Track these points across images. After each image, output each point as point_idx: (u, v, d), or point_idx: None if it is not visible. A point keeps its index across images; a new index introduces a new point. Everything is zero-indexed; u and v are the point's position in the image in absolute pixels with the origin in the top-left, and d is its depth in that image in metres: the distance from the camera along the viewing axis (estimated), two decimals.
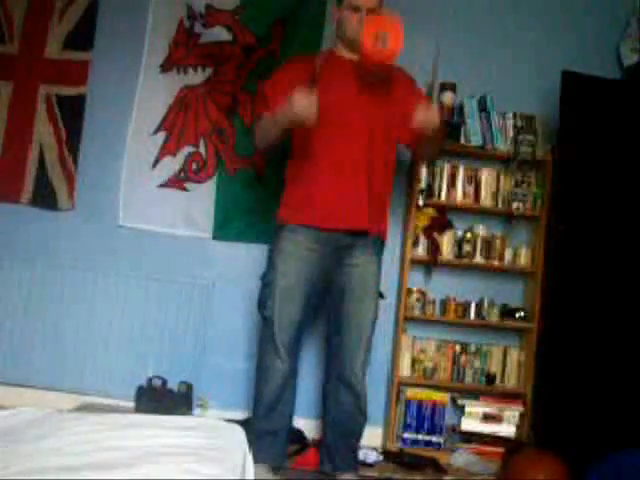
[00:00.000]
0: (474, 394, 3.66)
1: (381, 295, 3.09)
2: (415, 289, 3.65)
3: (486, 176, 3.71)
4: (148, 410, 3.30)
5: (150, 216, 3.70)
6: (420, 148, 3.08)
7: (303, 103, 2.61)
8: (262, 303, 2.96)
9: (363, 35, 2.63)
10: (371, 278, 2.95)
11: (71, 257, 3.65)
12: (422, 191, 3.63)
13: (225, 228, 3.71)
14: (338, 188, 2.84)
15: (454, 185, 3.69)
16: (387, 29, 2.60)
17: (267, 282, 2.97)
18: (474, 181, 3.71)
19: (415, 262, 3.68)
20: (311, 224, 2.85)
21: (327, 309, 3.06)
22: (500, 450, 3.43)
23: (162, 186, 3.69)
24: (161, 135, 3.70)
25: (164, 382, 3.53)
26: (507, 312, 3.67)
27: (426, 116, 2.70)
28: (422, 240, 3.66)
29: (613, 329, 3.40)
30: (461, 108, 3.69)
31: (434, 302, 3.69)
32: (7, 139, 3.69)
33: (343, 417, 2.96)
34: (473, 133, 3.67)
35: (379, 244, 2.98)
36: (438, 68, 2.77)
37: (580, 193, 3.51)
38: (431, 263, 3.67)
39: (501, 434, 3.59)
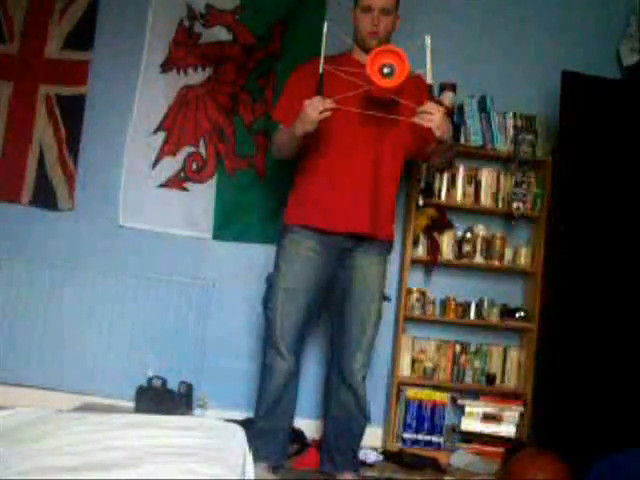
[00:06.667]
0: (474, 394, 3.66)
1: (385, 298, 3.09)
2: (415, 289, 3.65)
3: (486, 176, 3.71)
4: (148, 410, 3.30)
5: (150, 216, 3.70)
6: (431, 156, 3.04)
7: (315, 107, 2.59)
8: (266, 303, 2.97)
9: (369, 67, 2.59)
10: (374, 279, 2.94)
11: (71, 257, 3.65)
12: (422, 191, 3.63)
13: (225, 228, 3.71)
14: (342, 192, 2.83)
15: (454, 185, 3.69)
16: (392, 60, 2.57)
17: (271, 282, 2.98)
18: (474, 181, 3.71)
19: (415, 262, 3.68)
20: (314, 226, 2.85)
21: (330, 310, 3.06)
22: (500, 450, 3.44)
23: (162, 186, 3.69)
24: (161, 135, 3.70)
25: (164, 382, 3.53)
26: (507, 312, 3.67)
27: (425, 111, 2.62)
28: (422, 240, 3.66)
29: (613, 329, 3.41)
30: (461, 108, 3.69)
31: (434, 302, 3.69)
32: (7, 139, 3.68)
33: (344, 417, 2.96)
34: (473, 133, 3.67)
35: (385, 247, 2.97)
36: (431, 60, 2.70)
37: (580, 193, 3.51)
38: (431, 263, 3.68)
39: (501, 434, 3.59)
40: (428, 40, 2.62)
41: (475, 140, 3.67)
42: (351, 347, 2.91)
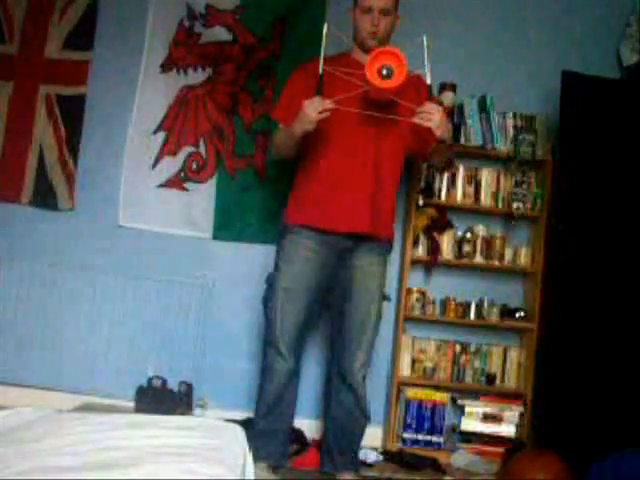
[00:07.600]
0: (474, 394, 3.66)
1: (385, 297, 3.09)
2: (415, 289, 3.65)
3: (486, 176, 3.71)
4: (148, 410, 3.30)
5: (150, 216, 3.70)
6: (431, 155, 3.05)
7: (314, 107, 2.60)
8: (266, 303, 2.97)
9: (368, 69, 2.59)
10: (374, 279, 2.94)
11: (71, 257, 3.65)
12: (422, 191, 3.63)
13: (225, 228, 3.71)
14: (342, 192, 2.83)
15: (454, 185, 3.69)
16: (391, 62, 2.57)
17: (271, 282, 2.98)
18: (474, 181, 3.71)
19: (415, 262, 3.68)
20: (313, 226, 2.85)
21: (330, 310, 3.06)
22: (500, 450, 3.44)
23: (162, 186, 3.69)
24: (161, 135, 3.70)
25: (164, 382, 3.53)
26: (507, 312, 3.67)
27: (424, 111, 2.64)
28: (422, 240, 3.66)
29: (613, 329, 3.40)
30: (461, 108, 3.69)
31: (434, 302, 3.69)
32: (7, 139, 3.68)
33: (344, 417, 2.96)
34: (473, 133, 3.67)
35: (385, 247, 2.97)
36: (429, 61, 2.70)
37: (580, 193, 3.51)
38: (431, 263, 3.67)
39: (501, 434, 3.59)
40: (425, 40, 2.63)
41: (475, 140, 3.67)
42: (351, 347, 2.91)
